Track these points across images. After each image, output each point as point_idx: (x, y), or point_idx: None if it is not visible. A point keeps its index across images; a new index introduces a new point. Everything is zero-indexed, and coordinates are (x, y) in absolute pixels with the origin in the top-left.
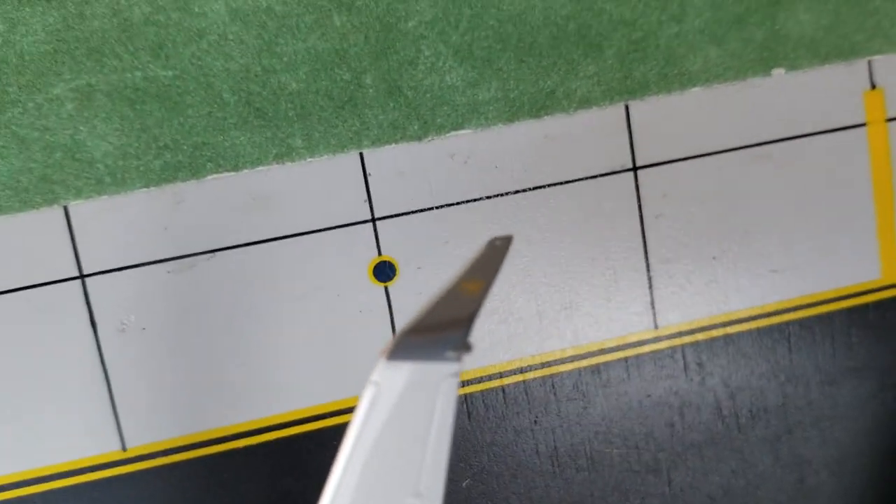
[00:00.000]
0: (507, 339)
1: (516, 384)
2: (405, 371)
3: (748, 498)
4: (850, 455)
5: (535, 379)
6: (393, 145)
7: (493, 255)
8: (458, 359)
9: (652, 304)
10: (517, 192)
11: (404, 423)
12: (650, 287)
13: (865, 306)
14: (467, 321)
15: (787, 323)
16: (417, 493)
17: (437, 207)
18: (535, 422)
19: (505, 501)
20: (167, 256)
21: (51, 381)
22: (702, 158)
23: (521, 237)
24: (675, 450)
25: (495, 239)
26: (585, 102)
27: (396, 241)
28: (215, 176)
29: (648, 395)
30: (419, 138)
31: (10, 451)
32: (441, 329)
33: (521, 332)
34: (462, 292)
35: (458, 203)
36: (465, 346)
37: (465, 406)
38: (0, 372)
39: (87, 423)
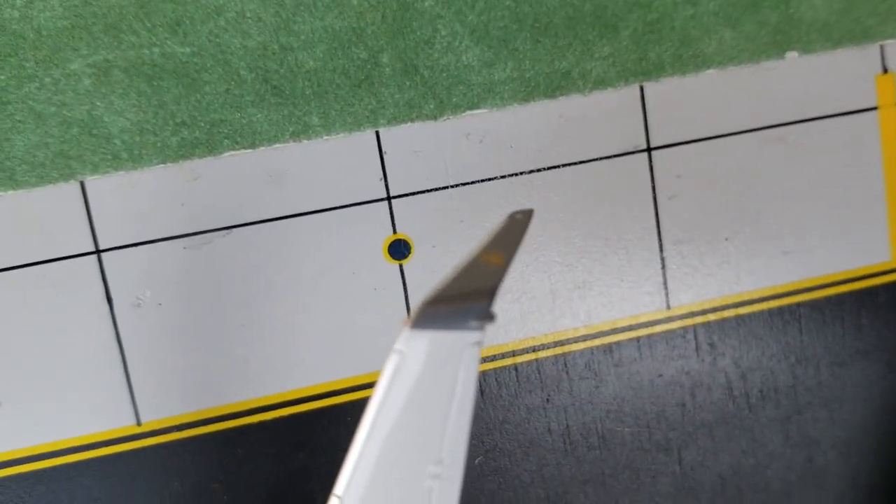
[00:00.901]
0: (521, 317)
1: (529, 363)
2: (428, 339)
3: (757, 477)
4: (858, 436)
5: (547, 358)
6: (409, 124)
7: (514, 228)
8: (482, 328)
9: (664, 284)
10: (532, 171)
11: (427, 391)
12: (663, 267)
13: (875, 289)
14: (491, 291)
15: (798, 304)
16: (439, 461)
17: (452, 186)
18: (548, 400)
19: (517, 479)
20: (183, 232)
21: (66, 356)
22: (715, 140)
23: (536, 216)
24: (685, 429)
25: (516, 212)
26: (600, 83)
27: (411, 220)
28: (232, 153)
29: (660, 375)
30: (435, 117)
31: (25, 425)
32: (464, 299)
33: (534, 311)
34: (484, 264)
35: (472, 182)
36: (489, 316)
37: (478, 384)
38: (16, 346)
39: (102, 397)
